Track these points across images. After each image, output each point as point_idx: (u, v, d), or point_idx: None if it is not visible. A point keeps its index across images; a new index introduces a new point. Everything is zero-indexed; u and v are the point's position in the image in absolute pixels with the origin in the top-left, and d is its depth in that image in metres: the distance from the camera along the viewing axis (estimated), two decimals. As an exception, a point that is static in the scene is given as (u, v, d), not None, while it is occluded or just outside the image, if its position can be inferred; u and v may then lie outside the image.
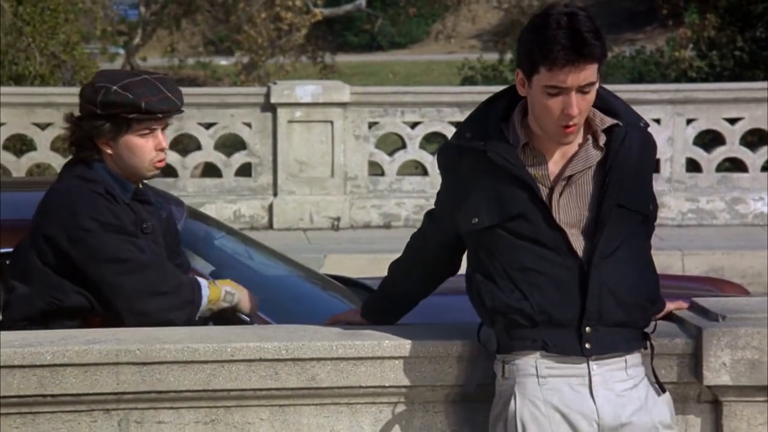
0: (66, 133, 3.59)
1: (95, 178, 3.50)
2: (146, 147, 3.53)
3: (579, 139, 3.09)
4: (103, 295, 3.46)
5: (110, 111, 3.47)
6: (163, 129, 3.55)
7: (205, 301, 3.55)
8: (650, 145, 3.19)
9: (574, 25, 2.95)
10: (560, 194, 3.07)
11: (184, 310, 3.49)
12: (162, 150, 3.55)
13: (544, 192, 3.07)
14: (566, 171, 3.08)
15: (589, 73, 2.98)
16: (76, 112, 3.57)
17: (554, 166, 3.09)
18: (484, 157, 3.08)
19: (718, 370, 3.25)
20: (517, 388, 3.06)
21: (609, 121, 3.10)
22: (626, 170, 3.08)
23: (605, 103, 3.13)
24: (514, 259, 3.07)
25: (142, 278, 3.43)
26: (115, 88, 3.47)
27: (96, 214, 3.44)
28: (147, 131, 3.52)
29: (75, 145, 3.56)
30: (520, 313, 3.06)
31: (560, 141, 3.06)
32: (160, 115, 3.51)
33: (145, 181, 3.67)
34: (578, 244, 3.07)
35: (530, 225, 3.06)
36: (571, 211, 3.07)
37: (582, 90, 2.99)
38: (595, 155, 3.09)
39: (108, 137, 3.51)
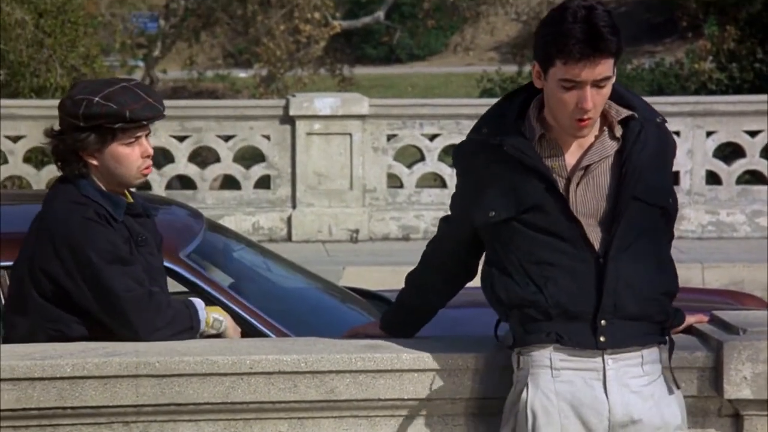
0: (48, 148, 3.54)
1: (85, 201, 3.45)
2: (133, 155, 3.48)
3: (595, 130, 3.10)
4: (103, 326, 3.43)
5: (94, 123, 3.42)
6: (146, 135, 3.51)
7: (203, 325, 3.53)
8: (667, 140, 3.18)
9: (591, 19, 2.95)
10: (577, 185, 3.07)
11: (182, 336, 3.47)
12: (148, 157, 3.51)
13: (561, 183, 3.07)
14: (583, 161, 3.08)
15: (605, 67, 2.98)
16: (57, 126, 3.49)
17: (571, 157, 3.09)
18: (500, 151, 3.09)
19: (739, 384, 3.23)
20: (530, 379, 3.06)
21: (625, 112, 3.10)
22: (643, 163, 3.07)
23: (621, 98, 3.14)
24: (529, 251, 3.07)
25: (139, 314, 3.39)
26: (97, 99, 3.42)
27: (92, 244, 3.39)
28: (132, 140, 3.47)
29: (60, 161, 3.50)
30: (534, 306, 3.06)
31: (574, 135, 3.06)
32: (144, 122, 3.47)
33: (161, 193, 3.65)
34: (595, 236, 3.06)
35: (546, 216, 3.05)
36: (588, 203, 3.07)
37: (597, 84, 2.99)
38: (612, 146, 3.09)
39: (93, 149, 3.45)
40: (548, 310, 3.05)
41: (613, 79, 3.04)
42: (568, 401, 3.04)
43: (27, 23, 13.55)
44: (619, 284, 3.04)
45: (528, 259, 3.07)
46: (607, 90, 3.03)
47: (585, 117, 3.01)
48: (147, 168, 3.51)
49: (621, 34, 3.00)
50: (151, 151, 3.51)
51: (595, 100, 3.01)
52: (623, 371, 3.06)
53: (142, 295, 3.41)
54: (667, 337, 3.14)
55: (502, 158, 3.08)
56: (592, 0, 3.01)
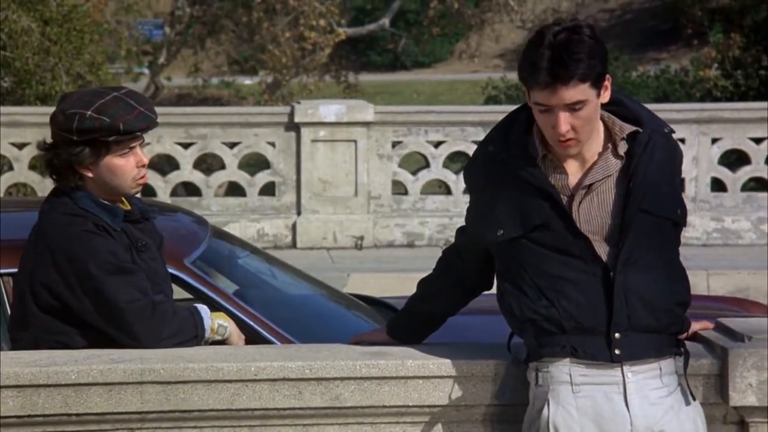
0: (42, 161, 3.52)
1: (83, 213, 3.43)
2: (127, 166, 3.46)
3: (599, 148, 3.09)
4: (107, 337, 3.42)
5: (87, 137, 3.40)
6: (140, 144, 3.49)
7: (208, 332, 3.53)
8: (675, 150, 3.17)
9: (562, 45, 2.93)
10: (580, 203, 3.08)
11: (186, 345, 3.46)
12: (143, 166, 3.49)
13: (564, 201, 3.07)
14: (585, 180, 3.08)
15: (575, 92, 2.95)
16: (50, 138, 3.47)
17: (573, 176, 3.09)
18: (506, 169, 3.10)
19: (744, 391, 3.23)
20: (551, 395, 3.06)
21: (628, 128, 3.10)
22: (650, 176, 3.07)
23: (629, 111, 3.13)
24: (540, 268, 3.07)
25: (143, 325, 3.39)
26: (89, 113, 3.39)
27: (92, 257, 3.38)
28: (126, 150, 3.45)
29: (55, 174, 3.48)
30: (548, 319, 3.06)
31: (562, 153, 3.06)
32: (139, 133, 3.45)
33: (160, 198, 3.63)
34: (603, 250, 3.06)
35: (553, 234, 3.06)
36: (592, 219, 3.07)
37: (572, 107, 2.97)
38: (615, 164, 3.09)
39: (88, 162, 3.43)
40: (562, 323, 3.05)
41: (595, 102, 2.99)
42: (589, 416, 3.04)
43: (33, 31, 13.57)
44: (629, 297, 3.04)
45: (539, 275, 3.07)
46: (586, 112, 2.99)
47: (562, 139, 3.00)
48: (142, 177, 3.50)
49: (600, 57, 2.96)
50: (146, 160, 3.50)
51: (573, 122, 2.99)
52: (643, 383, 3.06)
53: (146, 306, 3.40)
54: (681, 348, 3.14)
55: (508, 176, 3.09)
56: (579, 21, 3.00)
